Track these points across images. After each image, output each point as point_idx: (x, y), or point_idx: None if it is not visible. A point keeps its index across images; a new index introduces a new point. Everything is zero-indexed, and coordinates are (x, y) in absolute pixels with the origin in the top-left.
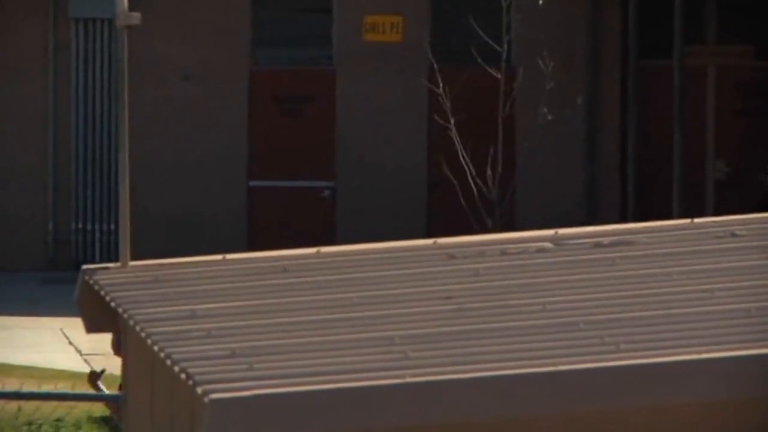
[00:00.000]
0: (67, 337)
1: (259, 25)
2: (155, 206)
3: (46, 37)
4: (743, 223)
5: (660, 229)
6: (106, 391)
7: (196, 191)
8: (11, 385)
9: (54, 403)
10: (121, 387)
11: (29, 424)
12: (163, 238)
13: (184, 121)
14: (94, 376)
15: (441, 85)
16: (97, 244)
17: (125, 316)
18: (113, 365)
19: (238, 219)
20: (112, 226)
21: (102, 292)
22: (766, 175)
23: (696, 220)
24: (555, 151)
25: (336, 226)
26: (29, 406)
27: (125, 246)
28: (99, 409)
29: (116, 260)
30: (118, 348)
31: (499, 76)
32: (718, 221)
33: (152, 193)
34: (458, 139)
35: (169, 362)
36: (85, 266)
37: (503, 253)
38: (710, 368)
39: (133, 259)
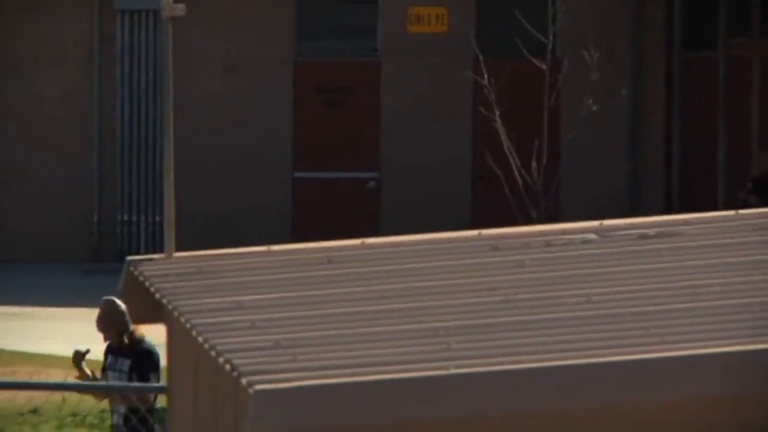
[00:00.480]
0: None
1: (303, 16)
2: (199, 199)
3: (92, 29)
4: None
5: (705, 221)
6: (88, 372)
7: (240, 183)
8: (56, 376)
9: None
10: (103, 370)
11: (74, 415)
12: (208, 231)
13: (228, 113)
14: (77, 356)
15: (486, 76)
16: (142, 236)
17: (170, 307)
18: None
19: (283, 211)
20: (157, 218)
21: (147, 283)
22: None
23: (741, 212)
24: (599, 142)
25: (380, 217)
26: (73, 397)
27: (170, 237)
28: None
29: (161, 252)
30: (104, 329)
31: (544, 67)
32: (763, 212)
33: (196, 186)
34: (503, 130)
35: (213, 353)
36: (129, 257)
37: (548, 244)
38: (756, 359)
39: (178, 251)
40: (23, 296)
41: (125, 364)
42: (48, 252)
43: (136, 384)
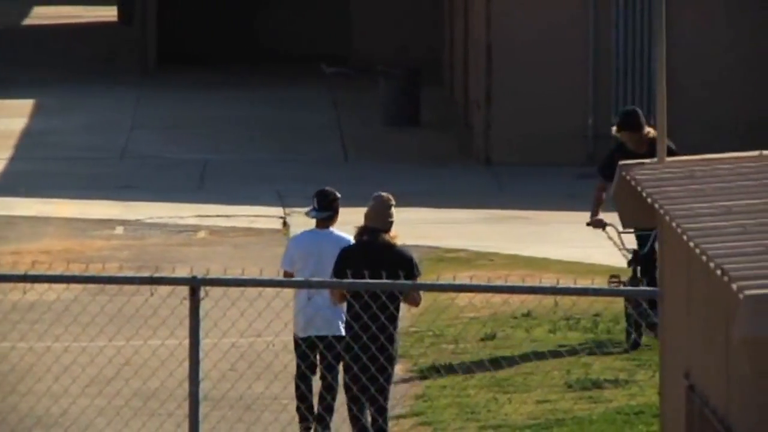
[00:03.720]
0: (606, 232)
1: None
2: (694, 102)
3: None
4: None
5: None
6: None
7: (734, 87)
8: (548, 279)
9: (591, 299)
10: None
11: (567, 319)
12: (703, 134)
13: (718, 12)
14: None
15: None
16: None
17: (661, 211)
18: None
19: None
20: (652, 121)
21: (639, 188)
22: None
23: None
24: None
25: None
26: (566, 301)
27: (662, 142)
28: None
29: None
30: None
31: None
32: None
33: (692, 88)
34: None
35: (704, 258)
36: (622, 162)
37: None
38: None
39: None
40: (520, 200)
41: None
42: (543, 155)
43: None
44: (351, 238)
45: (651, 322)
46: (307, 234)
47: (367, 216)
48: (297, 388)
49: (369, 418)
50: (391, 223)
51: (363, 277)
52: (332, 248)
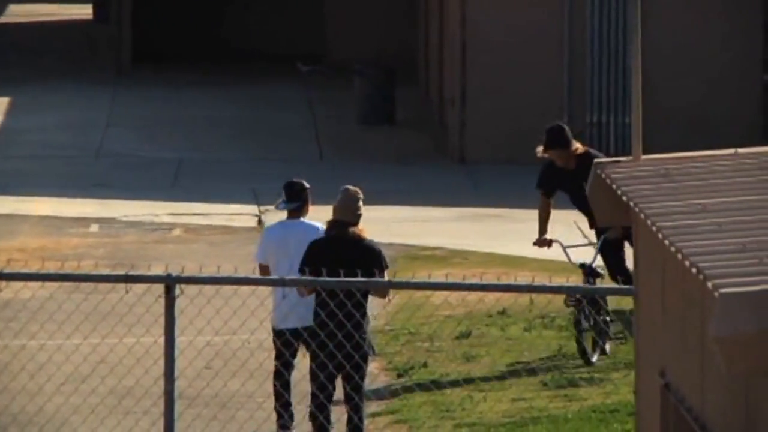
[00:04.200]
0: (580, 230)
1: None
2: (668, 100)
3: None
4: None
5: None
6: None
7: (708, 85)
8: (524, 277)
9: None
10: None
11: (542, 317)
12: (677, 132)
13: (693, 11)
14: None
15: None
16: (612, 137)
17: (636, 209)
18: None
19: (752, 113)
20: (627, 119)
21: (613, 186)
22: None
23: None
24: None
25: None
26: (541, 299)
27: (637, 140)
28: (612, 302)
29: (629, 154)
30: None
31: None
32: None
33: (666, 87)
34: None
35: (679, 256)
36: (597, 160)
37: None
38: None
39: (646, 153)
40: (495, 198)
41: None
42: (518, 154)
43: (603, 286)
44: (321, 226)
45: (600, 330)
46: (279, 225)
47: (335, 209)
48: (274, 386)
49: (331, 416)
50: (359, 216)
51: (331, 271)
52: (303, 237)
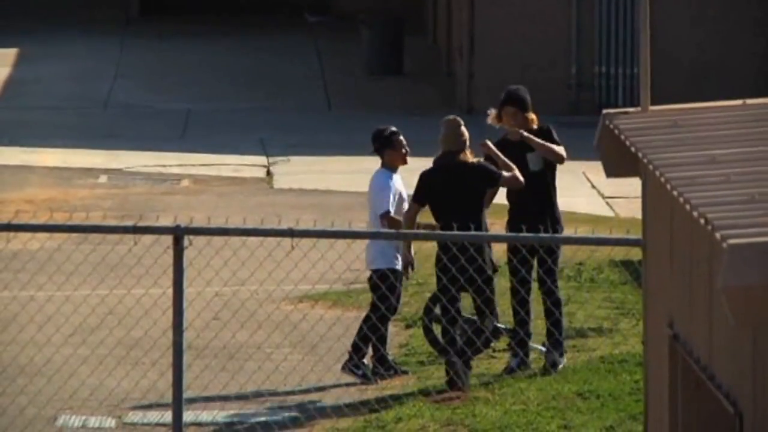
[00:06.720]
0: (589, 181)
1: None
2: (677, 50)
3: None
4: None
5: None
6: None
7: (717, 34)
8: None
9: (574, 248)
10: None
11: None
12: (684, 82)
13: None
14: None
15: None
16: (620, 89)
17: (645, 160)
18: (634, 209)
19: (761, 63)
20: (635, 70)
21: (622, 137)
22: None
23: None
24: None
25: None
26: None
27: (645, 91)
28: (620, 253)
29: (638, 105)
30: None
31: None
32: None
33: (673, 36)
34: None
35: (688, 207)
36: (605, 111)
37: None
38: None
39: (654, 103)
40: None
41: None
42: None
43: (610, 237)
44: (384, 173)
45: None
46: (389, 174)
47: (442, 141)
48: (377, 329)
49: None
50: (464, 141)
51: (446, 199)
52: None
